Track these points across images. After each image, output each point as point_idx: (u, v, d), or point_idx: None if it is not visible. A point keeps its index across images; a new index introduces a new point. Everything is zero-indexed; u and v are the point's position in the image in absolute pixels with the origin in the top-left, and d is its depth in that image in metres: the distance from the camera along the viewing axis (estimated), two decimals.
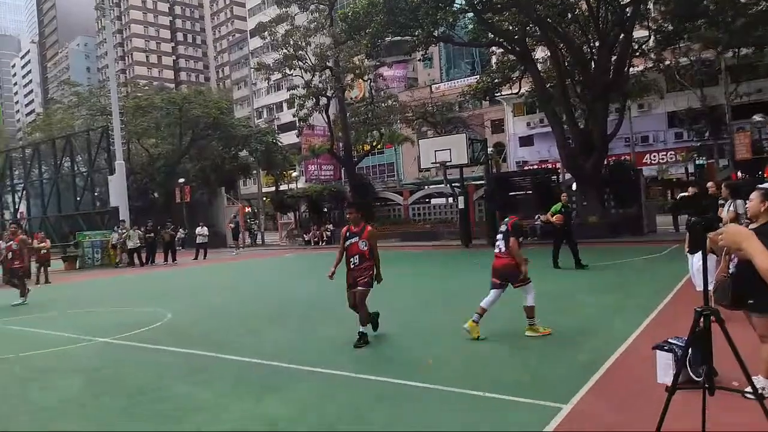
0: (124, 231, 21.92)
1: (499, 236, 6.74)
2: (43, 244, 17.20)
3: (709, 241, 2.40)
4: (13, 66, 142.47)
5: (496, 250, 6.68)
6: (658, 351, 4.63)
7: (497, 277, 6.55)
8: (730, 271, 4.11)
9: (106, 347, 7.17)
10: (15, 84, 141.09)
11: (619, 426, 3.75)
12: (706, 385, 2.48)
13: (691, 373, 3.69)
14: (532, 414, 3.99)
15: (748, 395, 3.85)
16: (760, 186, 4.84)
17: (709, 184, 6.33)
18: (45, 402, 4.97)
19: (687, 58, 29.23)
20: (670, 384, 4.34)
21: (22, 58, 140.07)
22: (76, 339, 7.67)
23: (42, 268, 16.93)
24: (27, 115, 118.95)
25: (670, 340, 4.66)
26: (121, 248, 21.97)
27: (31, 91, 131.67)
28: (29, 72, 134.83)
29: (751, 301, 3.95)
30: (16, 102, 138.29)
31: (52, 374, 5.97)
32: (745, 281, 4.00)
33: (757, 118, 22.94)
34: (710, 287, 2.71)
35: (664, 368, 4.55)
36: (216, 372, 5.71)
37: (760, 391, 2.37)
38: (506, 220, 6.85)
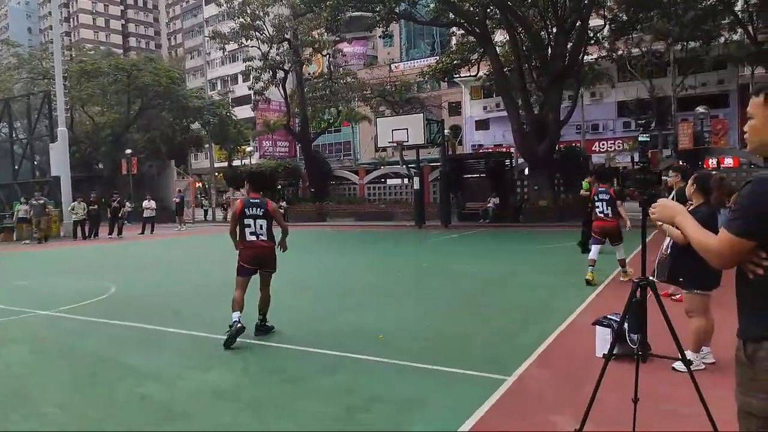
0: (38, 202, 19.61)
1: (601, 203, 8.11)
2: None
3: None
4: None
5: (601, 215, 8.13)
6: (597, 326, 4.82)
7: (600, 234, 8.16)
8: (667, 250, 4.37)
9: (49, 319, 6.89)
10: None
11: (559, 395, 3.90)
12: (639, 353, 2.60)
13: (628, 341, 3.90)
14: (477, 385, 4.09)
15: (678, 368, 4.08)
16: (698, 173, 5.13)
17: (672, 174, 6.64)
18: None
19: (639, 49, 30.12)
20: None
21: None
22: (17, 311, 7.34)
23: None
24: None
25: (608, 316, 4.87)
26: (36, 224, 19.43)
27: None
28: None
29: (681, 279, 4.35)
30: None
31: None
32: (676, 260, 4.31)
33: (700, 109, 23.92)
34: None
35: (603, 342, 4.74)
36: (161, 344, 5.60)
37: (691, 364, 2.51)
38: (606, 188, 8.20)
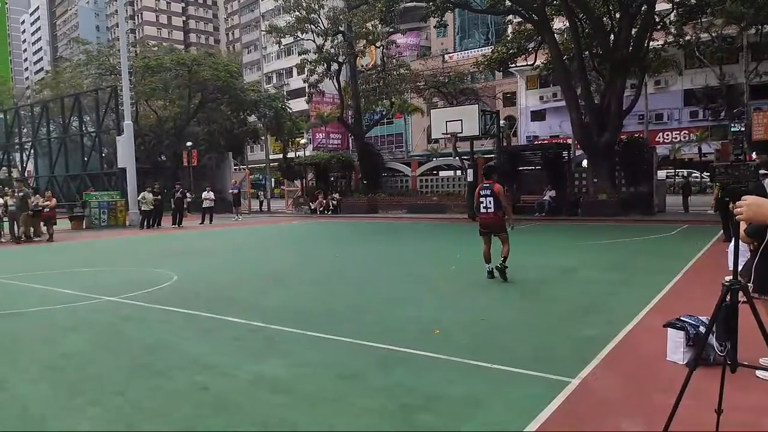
0: (24, 193, 16.93)
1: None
2: (48, 203, 17.28)
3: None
4: (23, 23, 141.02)
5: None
6: (669, 328, 4.54)
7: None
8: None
9: (113, 306, 7.17)
10: (24, 41, 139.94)
11: (628, 400, 3.68)
12: (728, 362, 2.38)
13: (715, 347, 3.61)
14: (539, 387, 3.92)
15: (762, 377, 3.78)
16: None
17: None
18: (52, 357, 4.98)
19: (708, 34, 28.43)
20: (680, 361, 4.31)
21: (31, 14, 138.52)
22: (82, 297, 7.68)
23: (47, 227, 17.06)
24: (36, 72, 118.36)
25: (682, 318, 4.58)
26: (24, 220, 16.63)
27: (41, 48, 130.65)
28: (38, 29, 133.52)
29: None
30: (25, 59, 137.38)
31: (60, 330, 5.97)
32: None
33: None
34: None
35: (675, 346, 4.48)
36: (221, 333, 5.69)
37: None
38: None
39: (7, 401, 3.94)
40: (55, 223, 17.68)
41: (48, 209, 17.20)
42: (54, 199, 18.34)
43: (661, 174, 28.55)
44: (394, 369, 4.43)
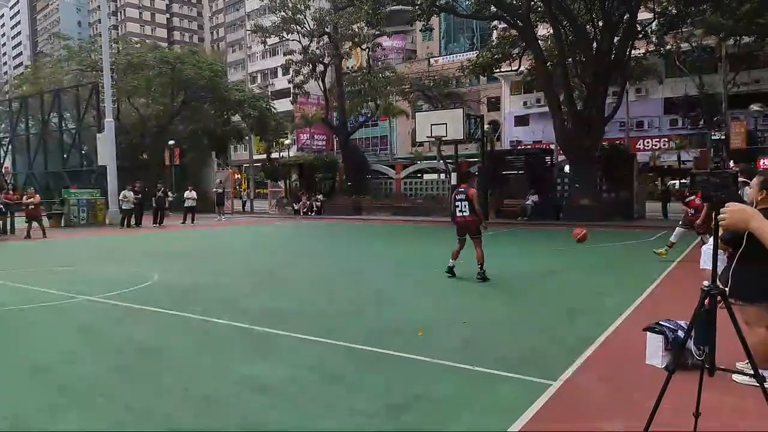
0: None
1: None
2: (31, 200, 17.02)
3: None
4: (1, 16, 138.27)
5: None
6: (648, 333, 4.61)
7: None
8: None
9: (92, 305, 7.06)
10: (3, 35, 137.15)
11: (608, 403, 3.74)
12: (706, 366, 2.43)
13: (693, 351, 3.67)
14: (520, 389, 3.96)
15: (738, 380, 3.86)
16: (761, 172, 4.78)
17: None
18: (35, 357, 4.88)
19: (688, 44, 28.96)
20: (659, 365, 4.38)
21: (11, 8, 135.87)
22: (60, 296, 7.56)
23: (29, 224, 16.79)
24: (15, 67, 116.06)
25: (661, 323, 4.65)
26: None
27: (20, 43, 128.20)
28: (18, 23, 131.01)
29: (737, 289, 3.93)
30: (4, 54, 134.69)
31: (38, 329, 5.86)
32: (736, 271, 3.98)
33: (754, 107, 22.90)
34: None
35: (654, 350, 4.54)
36: (203, 333, 5.65)
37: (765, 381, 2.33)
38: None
39: None
40: (41, 220, 17.44)
41: (32, 206, 16.95)
42: (37, 195, 18.04)
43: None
44: (379, 370, 4.44)
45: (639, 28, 23.01)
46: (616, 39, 21.41)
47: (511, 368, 4.36)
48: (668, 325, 4.58)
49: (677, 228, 10.82)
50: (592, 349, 4.95)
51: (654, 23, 23.98)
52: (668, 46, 26.49)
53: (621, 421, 3.42)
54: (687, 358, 4.03)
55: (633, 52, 23.21)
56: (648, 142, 39.24)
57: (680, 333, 4.37)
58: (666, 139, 38.56)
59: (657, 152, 39.18)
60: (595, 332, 5.43)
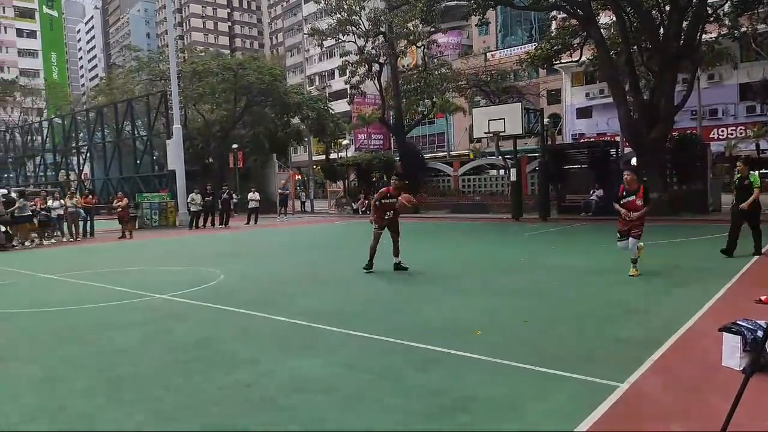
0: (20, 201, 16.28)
1: None
2: (120, 203, 18.32)
3: None
4: (78, 32, 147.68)
5: None
6: (725, 333, 4.36)
7: None
8: None
9: (161, 303, 7.42)
10: (80, 49, 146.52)
11: (681, 409, 3.56)
12: None
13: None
14: (585, 390, 3.83)
15: None
16: None
17: None
18: (100, 351, 5.19)
19: (766, 24, 27.03)
20: (737, 367, 4.12)
21: (86, 23, 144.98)
22: (133, 294, 7.99)
23: (122, 225, 18.33)
24: (91, 79, 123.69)
25: (738, 322, 4.39)
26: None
27: (95, 56, 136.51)
28: (93, 37, 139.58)
29: None
30: (81, 67, 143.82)
31: (108, 326, 6.21)
32: None
33: None
34: None
35: (731, 351, 4.29)
36: (264, 331, 5.80)
37: None
38: None
39: (60, 392, 4.13)
40: (130, 221, 18.66)
41: (120, 209, 18.17)
42: (125, 199, 19.18)
43: None
44: (432, 369, 4.42)
45: (710, 11, 21.72)
46: (684, 23, 20.30)
47: (575, 369, 4.23)
48: (746, 325, 4.32)
49: None
50: (662, 350, 4.71)
51: (727, 4, 22.57)
52: (743, 29, 24.82)
53: (694, 425, 3.24)
54: (766, 359, 3.79)
55: (704, 36, 21.94)
56: (723, 131, 37.05)
57: (759, 333, 4.12)
58: (743, 127, 36.26)
59: (733, 141, 36.90)
60: (665, 333, 5.18)
